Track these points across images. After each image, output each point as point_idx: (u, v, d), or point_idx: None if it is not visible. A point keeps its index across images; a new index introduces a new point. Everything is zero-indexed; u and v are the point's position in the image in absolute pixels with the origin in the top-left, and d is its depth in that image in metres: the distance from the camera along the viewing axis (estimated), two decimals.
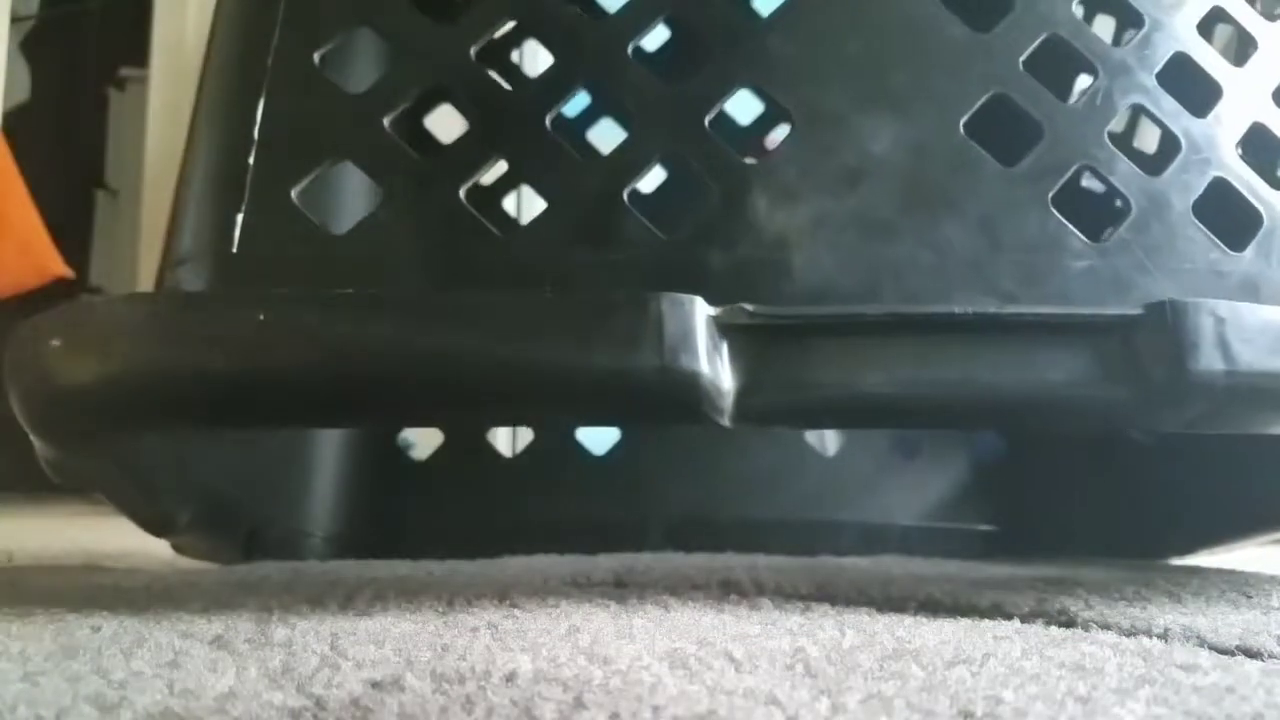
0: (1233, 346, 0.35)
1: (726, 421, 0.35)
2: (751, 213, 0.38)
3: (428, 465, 0.72)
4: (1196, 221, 0.39)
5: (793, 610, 0.40)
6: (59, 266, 1.50)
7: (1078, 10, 0.42)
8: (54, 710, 0.23)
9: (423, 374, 0.34)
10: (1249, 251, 0.39)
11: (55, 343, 0.35)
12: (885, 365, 0.35)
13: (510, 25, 0.68)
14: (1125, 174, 0.39)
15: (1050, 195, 0.38)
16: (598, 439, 0.73)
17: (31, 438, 0.37)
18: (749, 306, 0.35)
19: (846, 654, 0.30)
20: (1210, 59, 0.42)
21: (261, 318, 0.34)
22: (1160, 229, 0.39)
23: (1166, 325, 0.35)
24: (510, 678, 0.26)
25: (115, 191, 1.98)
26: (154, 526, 0.47)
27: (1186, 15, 0.42)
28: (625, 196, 0.38)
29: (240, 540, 0.57)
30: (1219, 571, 0.57)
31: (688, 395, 0.34)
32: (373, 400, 0.35)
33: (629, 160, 0.39)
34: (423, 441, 0.74)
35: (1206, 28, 0.43)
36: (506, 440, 0.89)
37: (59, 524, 1.17)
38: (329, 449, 0.68)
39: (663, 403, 0.34)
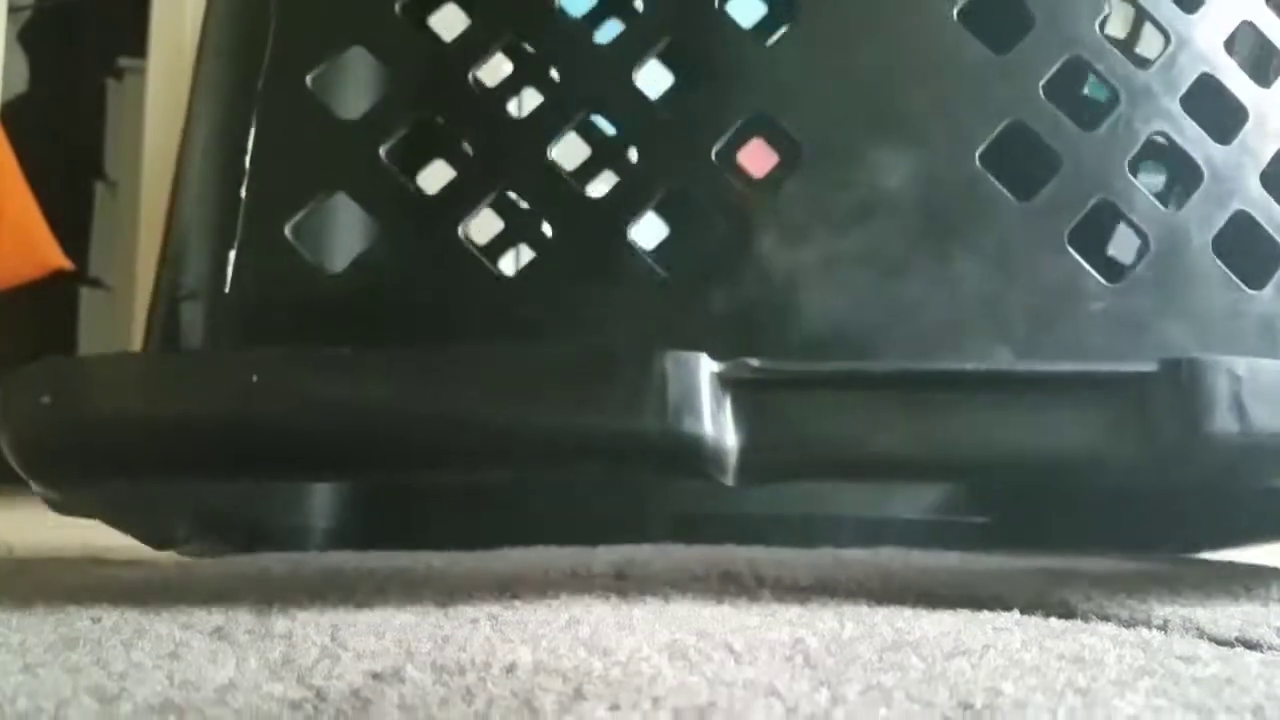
0: (1248, 407, 0.34)
1: (730, 480, 0.34)
2: (757, 250, 0.37)
3: None
4: (1215, 259, 0.38)
5: (792, 602, 0.40)
6: (58, 258, 1.49)
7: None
8: (54, 701, 0.23)
9: (418, 436, 0.34)
10: (1268, 290, 0.38)
11: (46, 400, 0.34)
12: (893, 423, 0.34)
13: (508, 71, 0.66)
14: (1144, 209, 0.38)
15: (1066, 233, 0.37)
16: None
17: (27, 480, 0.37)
18: (753, 361, 0.34)
19: (846, 645, 0.30)
20: (1236, 79, 0.40)
21: (254, 379, 0.33)
22: (1178, 267, 0.37)
23: (1182, 385, 0.34)
24: (510, 669, 0.26)
25: (114, 183, 1.97)
26: (154, 542, 0.47)
27: (1212, 30, 0.40)
28: (629, 233, 0.37)
29: (241, 540, 0.56)
30: (1218, 563, 0.57)
31: (690, 457, 0.33)
32: (368, 460, 0.35)
33: (631, 195, 0.38)
34: None
35: (1232, 44, 0.41)
36: None
37: (59, 516, 1.17)
38: None
39: (665, 464, 0.34)
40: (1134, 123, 0.39)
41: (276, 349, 0.36)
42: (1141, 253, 0.38)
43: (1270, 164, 0.40)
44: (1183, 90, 0.39)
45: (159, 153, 1.55)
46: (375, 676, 0.26)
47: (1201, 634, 0.34)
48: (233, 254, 0.37)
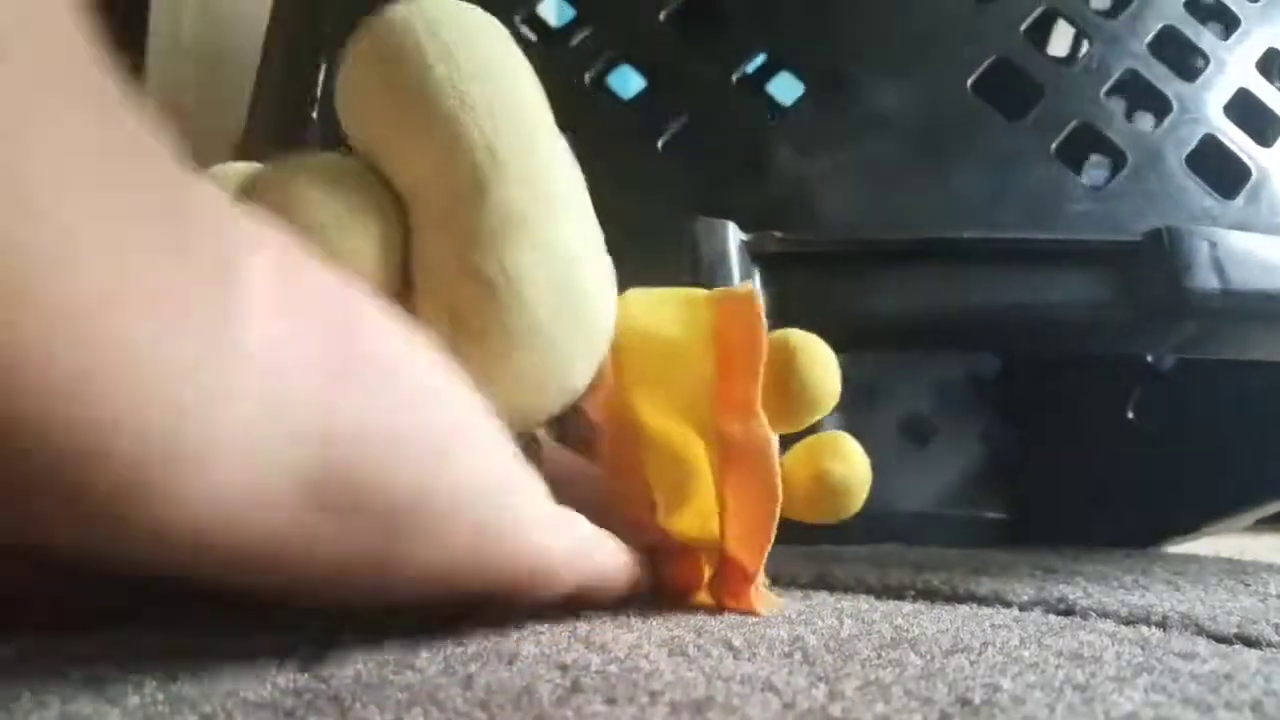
0: (1227, 268, 0.37)
1: None
2: (774, 163, 0.40)
3: None
4: (1189, 171, 0.41)
5: (791, 598, 0.40)
6: None
7: None
8: (57, 696, 0.23)
9: None
10: (1240, 199, 0.41)
11: None
12: (904, 289, 0.38)
13: None
14: (1121, 129, 0.42)
15: (1053, 147, 0.40)
16: None
17: None
18: (777, 234, 0.38)
19: (844, 642, 0.30)
20: (1197, 32, 0.44)
21: None
22: (1155, 179, 0.41)
23: (1164, 248, 0.37)
24: (510, 661, 0.26)
25: None
26: None
27: None
28: (659, 145, 0.41)
29: None
30: (1217, 560, 0.57)
31: None
32: None
33: (660, 113, 0.42)
34: None
35: (1193, 7, 0.45)
36: None
37: None
38: None
39: None
40: (1107, 60, 0.43)
41: None
42: (1120, 166, 0.41)
43: (1230, 100, 0.44)
44: (1148, 38, 0.43)
45: None
46: (377, 668, 0.26)
47: (1200, 630, 0.34)
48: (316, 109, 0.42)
